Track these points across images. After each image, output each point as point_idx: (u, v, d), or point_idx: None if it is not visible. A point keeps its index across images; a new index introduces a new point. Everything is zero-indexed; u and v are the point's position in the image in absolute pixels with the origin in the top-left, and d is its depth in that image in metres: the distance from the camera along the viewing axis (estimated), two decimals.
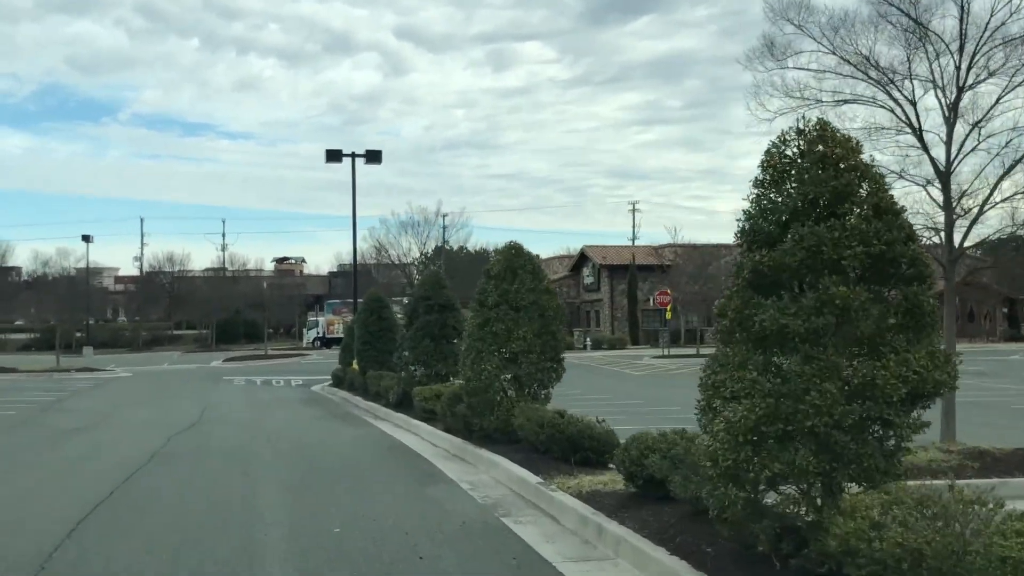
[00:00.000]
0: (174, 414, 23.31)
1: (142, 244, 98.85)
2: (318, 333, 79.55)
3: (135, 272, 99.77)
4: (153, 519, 9.79)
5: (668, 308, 46.89)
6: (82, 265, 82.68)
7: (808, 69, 13.40)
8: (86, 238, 77.48)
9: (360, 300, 40.97)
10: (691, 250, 65.19)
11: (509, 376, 13.46)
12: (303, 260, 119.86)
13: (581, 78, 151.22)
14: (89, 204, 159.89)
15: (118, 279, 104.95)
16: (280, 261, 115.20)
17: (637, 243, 76.39)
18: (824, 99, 13.25)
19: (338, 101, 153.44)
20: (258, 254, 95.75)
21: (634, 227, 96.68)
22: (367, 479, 12.35)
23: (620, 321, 65.51)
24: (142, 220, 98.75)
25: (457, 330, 19.41)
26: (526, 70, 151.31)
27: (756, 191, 6.41)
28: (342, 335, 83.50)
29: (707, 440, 6.29)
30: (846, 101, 13.31)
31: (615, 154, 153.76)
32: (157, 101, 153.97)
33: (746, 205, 6.44)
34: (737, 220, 6.47)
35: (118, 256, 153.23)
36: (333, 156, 40.17)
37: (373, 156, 40.80)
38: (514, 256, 13.75)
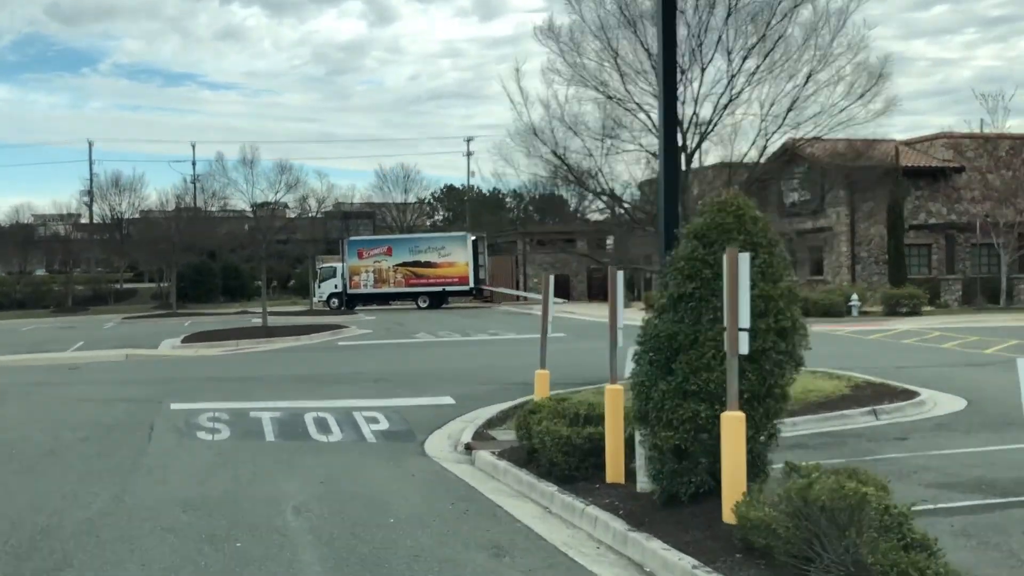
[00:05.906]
0: None
1: (91, 173, 73.60)
2: (335, 287, 52.65)
3: (98, 214, 75.86)
4: None
5: None
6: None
7: None
8: None
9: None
10: (982, 143, 38.95)
11: None
12: (286, 206, 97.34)
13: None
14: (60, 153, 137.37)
15: (78, 227, 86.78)
16: (260, 207, 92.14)
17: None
18: None
19: (322, 51, 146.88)
20: (237, 196, 78.53)
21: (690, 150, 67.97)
22: None
23: (865, 263, 38.92)
24: (91, 144, 72.04)
25: None
26: (514, 19, 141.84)
27: None
28: (373, 289, 57.19)
29: None
30: None
31: None
32: (139, 51, 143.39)
33: None
34: None
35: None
36: None
37: None
38: None
